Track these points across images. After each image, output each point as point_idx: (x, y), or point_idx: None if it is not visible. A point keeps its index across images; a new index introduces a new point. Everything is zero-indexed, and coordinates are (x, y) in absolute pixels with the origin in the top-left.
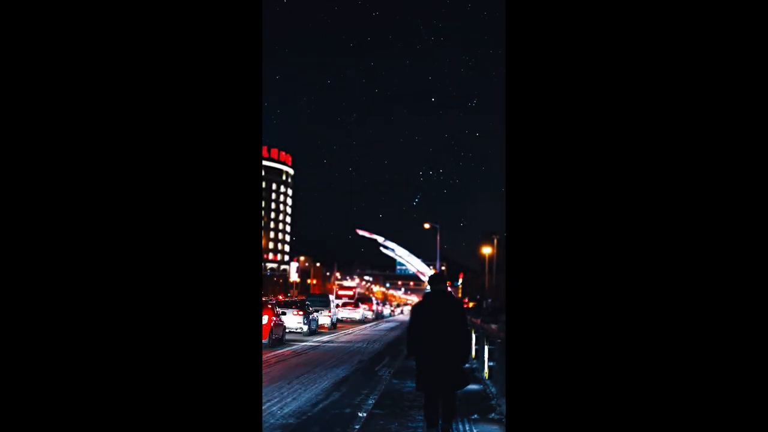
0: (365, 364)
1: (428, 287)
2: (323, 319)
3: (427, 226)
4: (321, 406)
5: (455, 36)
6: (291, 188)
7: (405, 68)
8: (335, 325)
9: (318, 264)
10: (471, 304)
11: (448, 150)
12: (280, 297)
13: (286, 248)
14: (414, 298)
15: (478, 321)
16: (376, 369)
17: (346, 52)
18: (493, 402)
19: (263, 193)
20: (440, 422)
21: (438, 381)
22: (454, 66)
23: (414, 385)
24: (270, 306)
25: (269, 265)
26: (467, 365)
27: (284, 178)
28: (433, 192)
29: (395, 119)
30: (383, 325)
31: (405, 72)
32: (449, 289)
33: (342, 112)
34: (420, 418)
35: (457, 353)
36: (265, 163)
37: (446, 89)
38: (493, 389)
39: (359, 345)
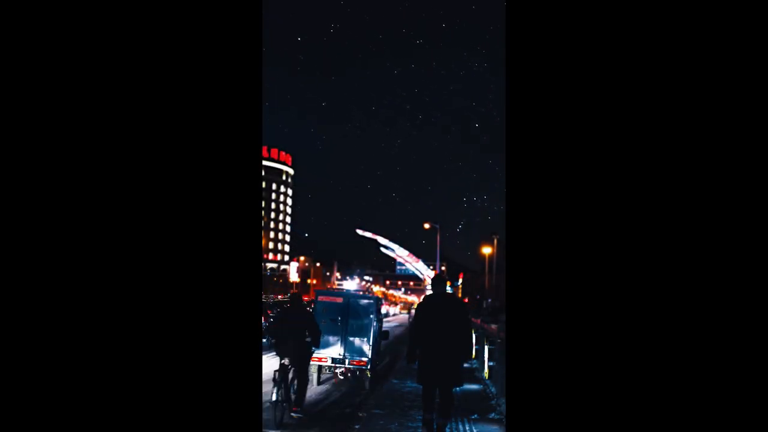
0: None
1: (429, 288)
2: None
3: (427, 226)
4: (321, 405)
5: (500, 62)
6: (291, 188)
7: (450, 95)
8: None
9: (318, 264)
10: (473, 306)
11: (493, 177)
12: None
13: (286, 248)
14: (414, 298)
15: (478, 321)
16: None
17: (393, 80)
18: (493, 402)
19: (263, 193)
20: (439, 418)
21: (436, 376)
22: (497, 92)
23: (414, 384)
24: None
25: (269, 265)
26: (467, 365)
27: (284, 178)
28: (477, 218)
29: (439, 146)
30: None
31: (450, 99)
32: (449, 289)
33: (388, 139)
34: (420, 418)
35: (456, 352)
36: (265, 163)
37: (490, 114)
38: (493, 389)
39: None
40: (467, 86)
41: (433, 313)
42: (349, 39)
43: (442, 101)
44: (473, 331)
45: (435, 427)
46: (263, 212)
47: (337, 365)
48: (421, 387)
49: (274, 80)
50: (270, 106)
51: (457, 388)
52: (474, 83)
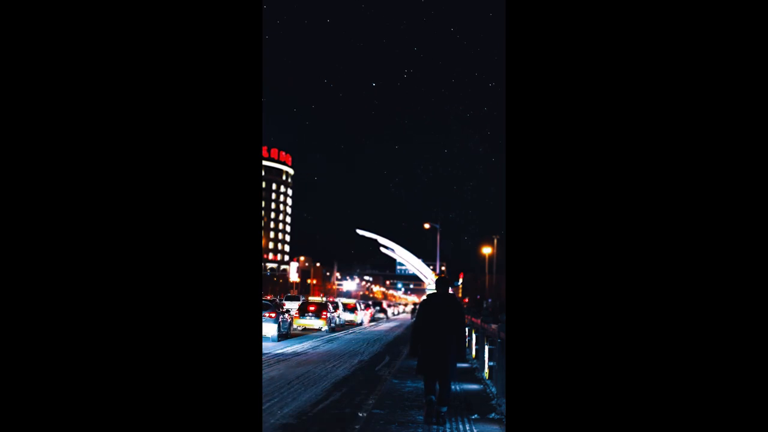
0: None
1: (428, 288)
2: None
3: (427, 226)
4: (321, 405)
5: None
6: (291, 188)
7: None
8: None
9: (318, 264)
10: (474, 306)
11: None
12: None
13: (286, 248)
14: (414, 298)
15: (478, 321)
16: (376, 369)
17: (466, 124)
18: (493, 402)
19: (263, 193)
20: (440, 408)
21: (435, 368)
22: None
23: (414, 384)
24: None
25: (269, 265)
26: (467, 365)
27: (284, 178)
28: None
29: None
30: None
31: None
32: (450, 290)
33: (460, 182)
34: (420, 418)
35: (452, 347)
36: (265, 163)
37: None
38: (493, 389)
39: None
40: None
41: (434, 311)
42: (423, 84)
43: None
44: (473, 332)
45: (435, 411)
46: (263, 212)
47: None
48: (422, 383)
49: (350, 123)
50: (344, 148)
51: (457, 387)
52: None
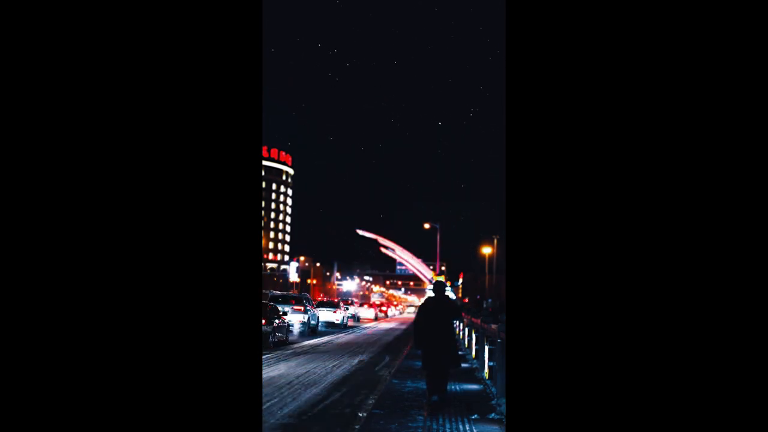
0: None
1: (428, 288)
2: None
3: (427, 226)
4: (321, 406)
5: None
6: (291, 188)
7: None
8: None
9: (318, 264)
10: (474, 306)
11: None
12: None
13: (286, 248)
14: (414, 298)
15: (478, 321)
16: (375, 369)
17: None
18: (493, 402)
19: (263, 193)
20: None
21: (436, 362)
22: None
23: (414, 384)
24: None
25: (269, 265)
26: (467, 365)
27: (284, 178)
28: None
29: None
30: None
31: None
32: (449, 292)
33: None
34: (420, 418)
35: (447, 344)
36: (265, 163)
37: None
38: (493, 389)
39: None
40: None
41: (431, 313)
42: (489, 123)
43: None
44: (473, 332)
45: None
46: (263, 212)
47: None
48: (422, 384)
49: (415, 161)
50: (418, 186)
51: (457, 387)
52: None
